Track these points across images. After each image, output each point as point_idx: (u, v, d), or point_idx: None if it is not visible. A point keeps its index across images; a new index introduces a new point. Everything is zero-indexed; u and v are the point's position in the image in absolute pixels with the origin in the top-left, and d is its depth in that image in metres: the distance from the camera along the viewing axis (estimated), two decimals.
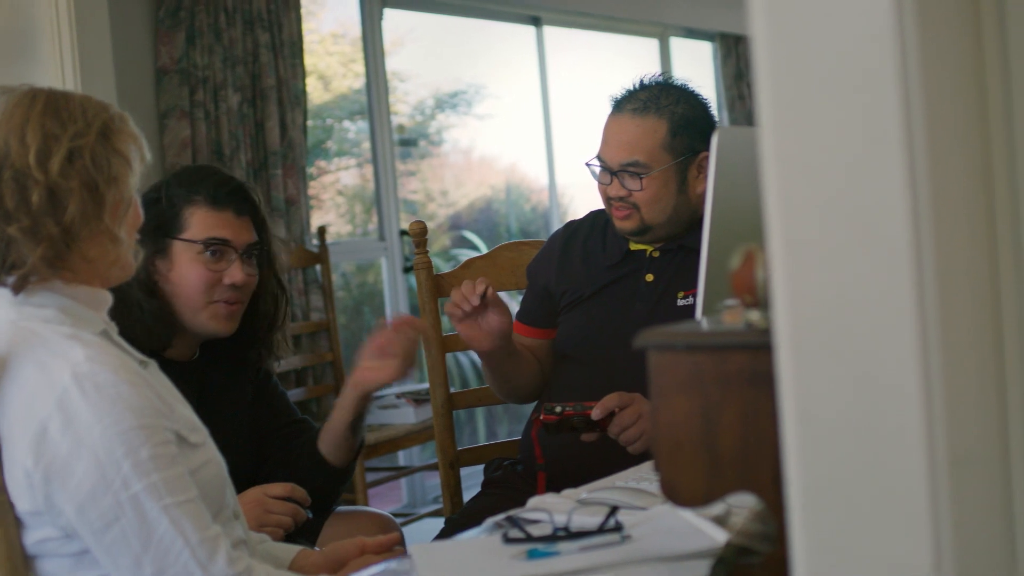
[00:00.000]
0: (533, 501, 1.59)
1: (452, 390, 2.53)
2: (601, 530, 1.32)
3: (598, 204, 2.40)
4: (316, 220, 4.84)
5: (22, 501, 1.45)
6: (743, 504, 1.24)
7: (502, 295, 2.23)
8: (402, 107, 5.66)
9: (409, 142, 5.70)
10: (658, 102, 2.21)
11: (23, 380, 1.43)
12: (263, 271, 2.14)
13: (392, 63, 5.26)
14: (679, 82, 2.28)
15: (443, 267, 5.46)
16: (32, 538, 1.47)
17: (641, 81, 2.27)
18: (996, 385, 0.95)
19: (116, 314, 1.58)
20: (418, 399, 4.17)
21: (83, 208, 1.46)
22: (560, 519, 1.36)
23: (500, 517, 1.54)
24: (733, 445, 1.23)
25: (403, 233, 5.07)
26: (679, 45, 6.74)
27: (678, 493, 1.29)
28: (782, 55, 0.91)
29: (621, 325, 2.21)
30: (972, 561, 0.89)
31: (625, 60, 6.42)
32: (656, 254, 2.28)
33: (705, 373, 1.24)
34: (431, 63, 5.71)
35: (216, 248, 2.05)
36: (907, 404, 0.88)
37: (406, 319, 2.06)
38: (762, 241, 0.99)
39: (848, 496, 0.91)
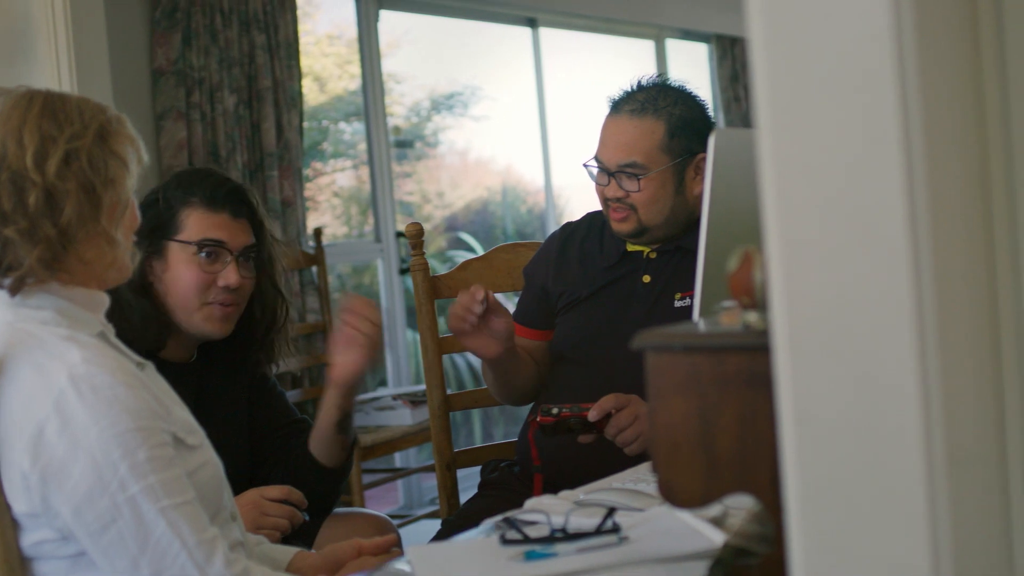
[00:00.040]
0: (530, 502, 1.59)
1: (448, 392, 2.53)
2: (599, 531, 1.32)
3: (594, 206, 2.40)
4: (312, 222, 4.84)
5: (19, 503, 1.45)
6: (741, 505, 1.24)
7: (498, 296, 2.23)
8: (398, 109, 5.66)
9: (405, 144, 5.70)
10: (656, 103, 2.21)
11: (20, 382, 1.43)
12: (261, 274, 2.13)
13: (388, 65, 5.26)
14: (677, 83, 2.28)
15: (439, 269, 5.46)
16: (29, 540, 1.47)
17: (639, 82, 2.27)
18: (994, 386, 0.95)
19: (111, 315, 1.58)
20: (414, 401, 4.17)
21: (80, 210, 1.46)
22: (558, 520, 1.36)
23: (498, 518, 1.53)
24: (731, 446, 1.23)
25: (399, 235, 5.07)
26: (675, 47, 6.75)
27: (676, 494, 1.29)
28: (780, 56, 0.91)
29: (618, 326, 2.21)
30: (970, 562, 0.89)
31: (621, 62, 6.43)
32: (653, 255, 2.28)
33: (703, 374, 1.24)
34: (427, 65, 5.71)
35: (211, 249, 2.05)
36: (905, 405, 0.88)
37: (358, 306, 2.05)
38: (759, 243, 0.99)
39: (846, 497, 0.91)
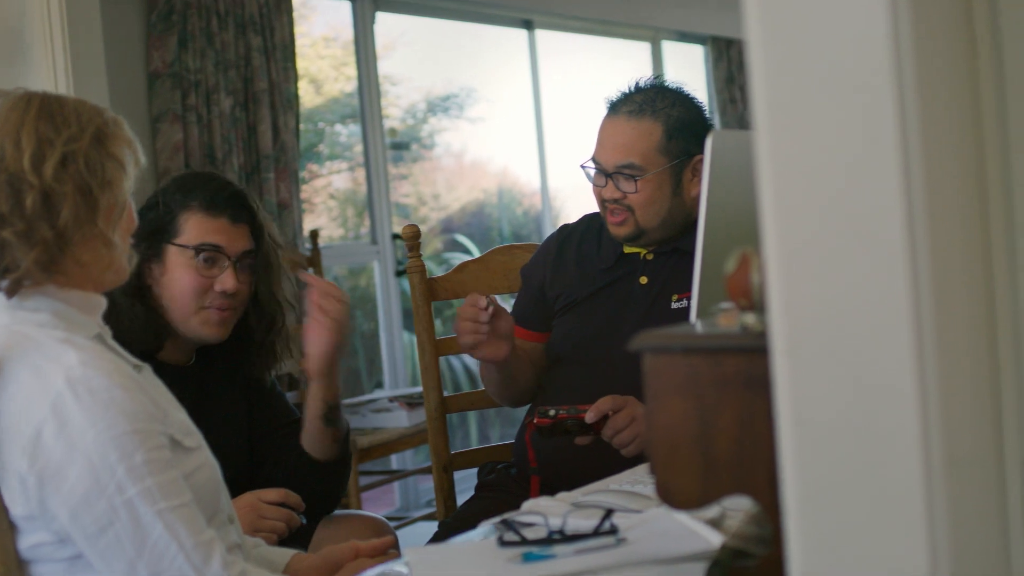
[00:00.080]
0: (528, 504, 1.59)
1: (445, 394, 2.52)
2: (596, 533, 1.32)
3: (590, 208, 2.41)
4: (308, 224, 4.84)
5: (16, 506, 1.45)
6: (739, 507, 1.25)
7: (495, 298, 2.23)
8: (394, 111, 5.66)
9: (401, 146, 5.70)
10: (654, 105, 2.21)
11: (17, 384, 1.43)
12: (260, 279, 2.12)
13: (384, 66, 5.27)
14: (674, 85, 2.28)
15: (435, 271, 5.46)
16: (26, 543, 1.47)
17: (637, 84, 2.27)
18: (991, 387, 0.95)
19: (108, 317, 1.58)
20: (411, 403, 4.17)
21: (77, 212, 1.46)
22: (555, 522, 1.36)
23: (495, 520, 1.53)
24: (729, 448, 1.23)
25: (395, 237, 5.07)
26: (671, 49, 6.75)
27: (673, 496, 1.29)
28: (778, 58, 0.91)
29: (616, 328, 2.21)
30: (968, 562, 0.89)
31: (617, 64, 6.43)
32: (650, 257, 2.28)
33: (701, 376, 1.25)
34: (423, 67, 5.71)
35: (208, 254, 2.04)
36: (903, 407, 0.88)
37: (322, 286, 2.05)
38: (757, 244, 0.99)
39: (844, 498, 0.91)
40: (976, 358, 0.93)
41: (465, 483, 2.65)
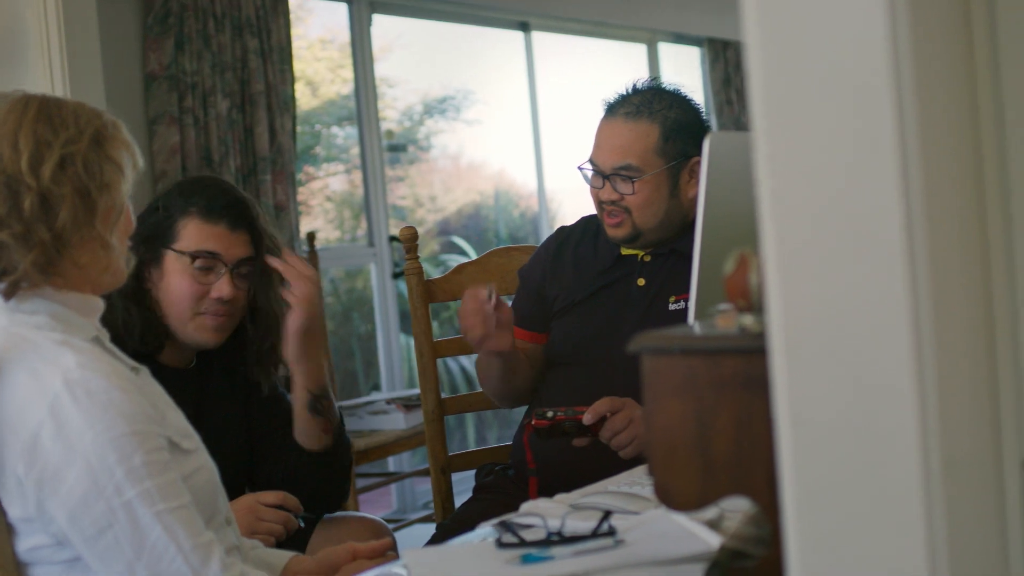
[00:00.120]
0: (526, 506, 1.59)
1: (442, 395, 2.52)
2: (595, 534, 1.32)
3: (587, 210, 2.41)
4: (305, 226, 4.83)
5: (14, 508, 1.45)
6: (737, 508, 1.25)
7: None
8: (391, 113, 5.66)
9: (398, 148, 5.70)
10: (651, 106, 2.22)
11: (15, 387, 1.43)
12: (258, 286, 2.12)
13: (381, 69, 5.27)
14: (672, 87, 2.29)
15: (432, 272, 5.46)
16: (24, 545, 1.47)
17: (634, 85, 2.27)
18: (989, 388, 0.95)
19: (106, 319, 1.58)
20: (408, 405, 4.17)
21: (75, 214, 1.46)
22: (554, 524, 1.37)
23: (494, 522, 1.54)
24: (727, 449, 1.23)
25: (392, 239, 5.07)
26: (667, 50, 6.76)
27: (672, 497, 1.29)
28: (776, 59, 0.91)
29: (613, 330, 2.21)
30: (966, 563, 0.90)
31: (613, 65, 6.43)
32: (647, 258, 2.28)
33: (699, 377, 1.25)
34: (420, 69, 5.71)
35: (205, 261, 2.04)
36: (901, 407, 0.88)
37: (292, 261, 2.04)
38: (754, 245, 0.99)
39: (842, 499, 0.91)
40: (974, 359, 0.94)
41: (463, 485, 2.65)
